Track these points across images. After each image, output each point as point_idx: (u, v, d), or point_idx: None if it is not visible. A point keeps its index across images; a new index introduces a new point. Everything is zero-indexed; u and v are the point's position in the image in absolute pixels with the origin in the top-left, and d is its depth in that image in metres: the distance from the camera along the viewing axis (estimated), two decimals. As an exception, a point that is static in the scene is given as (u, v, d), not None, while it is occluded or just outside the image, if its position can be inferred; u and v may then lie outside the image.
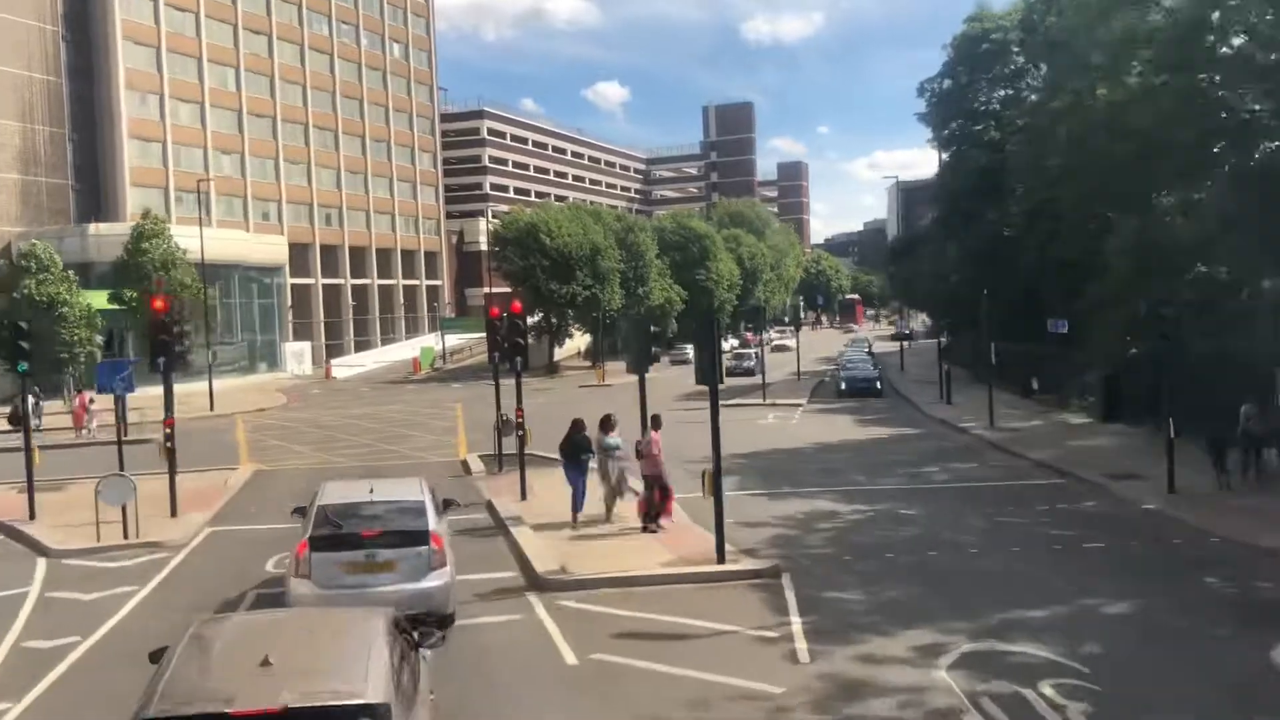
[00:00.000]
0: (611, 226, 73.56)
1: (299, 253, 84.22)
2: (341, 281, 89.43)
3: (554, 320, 69.66)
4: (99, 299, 51.89)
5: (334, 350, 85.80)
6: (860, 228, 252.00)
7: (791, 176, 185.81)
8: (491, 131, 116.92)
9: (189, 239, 65.08)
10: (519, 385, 21.15)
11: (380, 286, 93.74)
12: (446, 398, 50.58)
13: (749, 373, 58.19)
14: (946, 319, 55.88)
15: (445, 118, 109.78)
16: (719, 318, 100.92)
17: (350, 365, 77.62)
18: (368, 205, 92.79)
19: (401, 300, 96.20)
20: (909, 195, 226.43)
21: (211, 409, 47.65)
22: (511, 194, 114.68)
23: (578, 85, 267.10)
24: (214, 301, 67.61)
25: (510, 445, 24.63)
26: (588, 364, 75.96)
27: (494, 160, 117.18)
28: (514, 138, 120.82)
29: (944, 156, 56.72)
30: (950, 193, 54.36)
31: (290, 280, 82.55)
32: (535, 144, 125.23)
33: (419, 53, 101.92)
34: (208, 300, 49.87)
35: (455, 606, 12.26)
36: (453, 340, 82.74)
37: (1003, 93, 52.23)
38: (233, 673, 6.51)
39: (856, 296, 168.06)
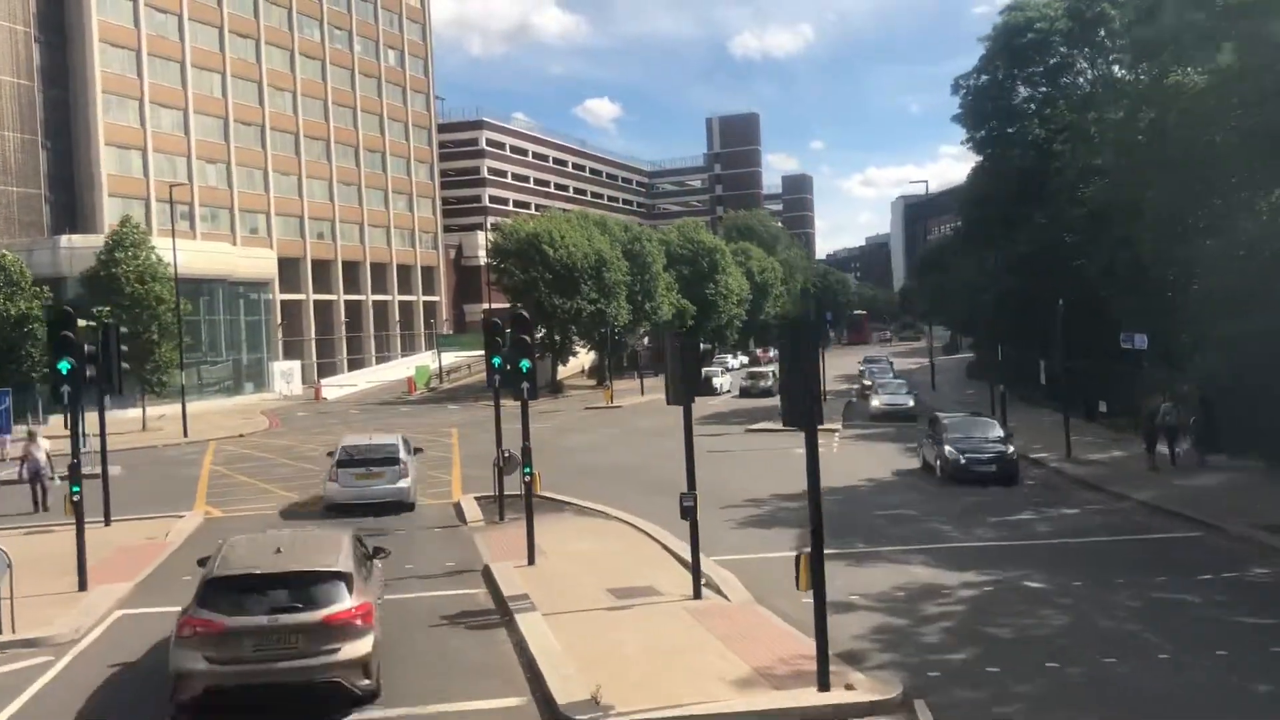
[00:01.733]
0: (617, 237, 69.33)
1: (289, 267, 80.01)
2: (334, 297, 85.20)
3: (557, 337, 65.36)
4: (64, 316, 47.62)
5: (326, 369, 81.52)
6: (863, 242, 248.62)
7: (796, 189, 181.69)
8: (490, 142, 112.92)
9: (170, 251, 61.12)
10: (525, 417, 16.83)
11: (375, 302, 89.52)
12: (442, 422, 46.31)
13: (766, 393, 53.92)
14: (986, 333, 51.58)
15: (443, 128, 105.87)
16: (728, 333, 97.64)
17: (342, 385, 73.28)
18: (361, 218, 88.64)
19: (397, 317, 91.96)
20: (914, 210, 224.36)
21: (185, 434, 43.29)
22: (511, 207, 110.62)
23: (568, 102, 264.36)
24: (197, 318, 63.47)
25: (513, 484, 20.44)
26: (592, 382, 71.68)
27: (493, 172, 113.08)
28: (514, 149, 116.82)
29: (978, 159, 52.59)
30: (984, 197, 50.13)
31: (280, 296, 78.38)
32: (536, 156, 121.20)
33: (415, 60, 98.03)
34: (181, 317, 45.43)
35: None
36: (450, 358, 78.43)
37: (1046, 89, 48.06)
38: (258, 556, 11.00)
39: (863, 312, 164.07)
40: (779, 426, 35.25)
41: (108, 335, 19.85)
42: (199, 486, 27.17)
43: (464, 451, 33.64)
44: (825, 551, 17.11)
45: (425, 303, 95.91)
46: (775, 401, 50.85)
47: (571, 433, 39.55)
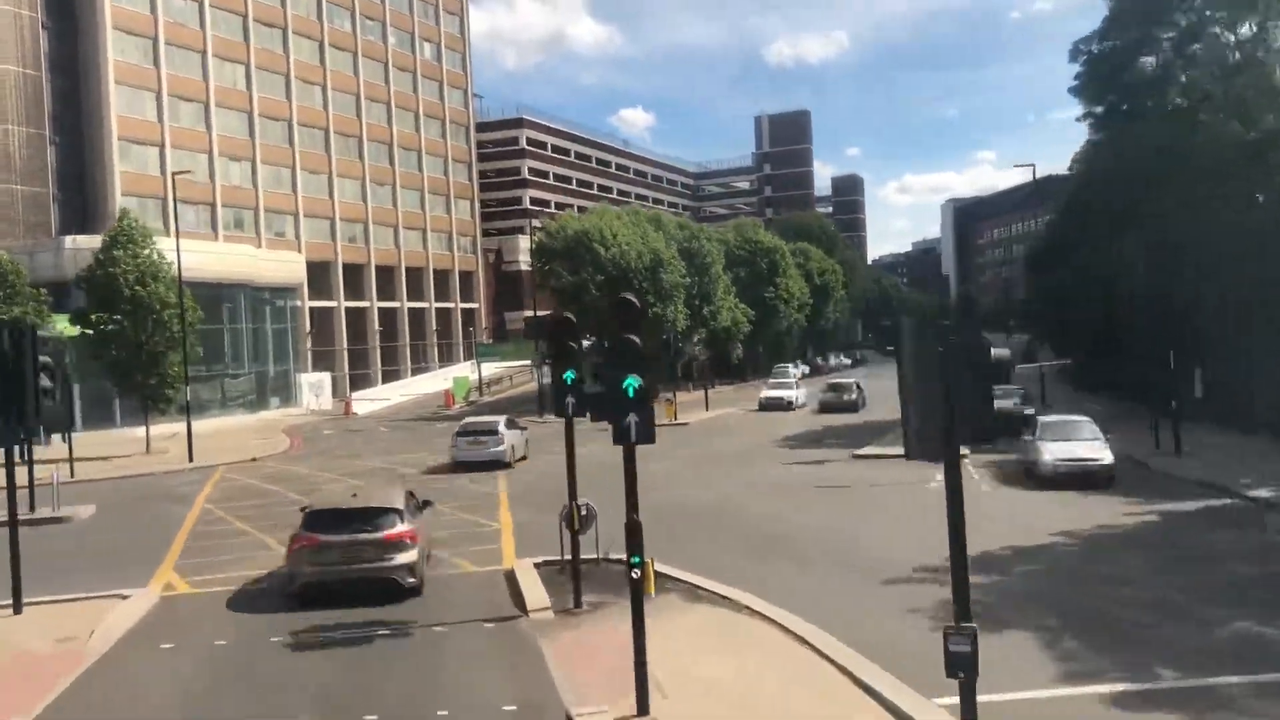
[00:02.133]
0: (673, 235, 63.17)
1: (319, 272, 74.75)
2: (367, 304, 79.82)
3: (607, 345, 59.28)
4: (61, 322, 42.25)
5: (359, 381, 76.09)
6: (908, 248, 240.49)
7: (847, 191, 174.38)
8: (531, 142, 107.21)
9: (191, 254, 55.81)
10: (631, 465, 10.66)
11: (410, 310, 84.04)
12: None
13: (850, 408, 47.38)
14: (1104, 339, 44.72)
15: (481, 127, 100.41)
16: (786, 341, 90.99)
17: (374, 399, 67.69)
18: (396, 220, 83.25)
19: (434, 325, 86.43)
20: (964, 213, 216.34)
21: (190, 459, 37.64)
22: (553, 209, 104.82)
23: (603, 112, 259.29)
24: (219, 326, 58.19)
25: (587, 543, 14.53)
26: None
27: (534, 173, 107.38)
28: (555, 149, 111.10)
29: (1095, 137, 45.79)
30: (1106, 178, 43.33)
31: (309, 303, 73.12)
32: (578, 156, 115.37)
33: (452, 54, 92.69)
34: (187, 324, 39.73)
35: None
36: (490, 369, 72.66)
37: (1181, 54, 41.18)
38: (339, 497, 17.44)
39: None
40: (889, 451, 28.84)
41: (19, 342, 13.91)
42: (177, 538, 21.26)
43: (513, 486, 27.57)
44: (1090, 678, 10.92)
45: (463, 310, 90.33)
46: (862, 418, 44.42)
47: (650, 461, 33.47)
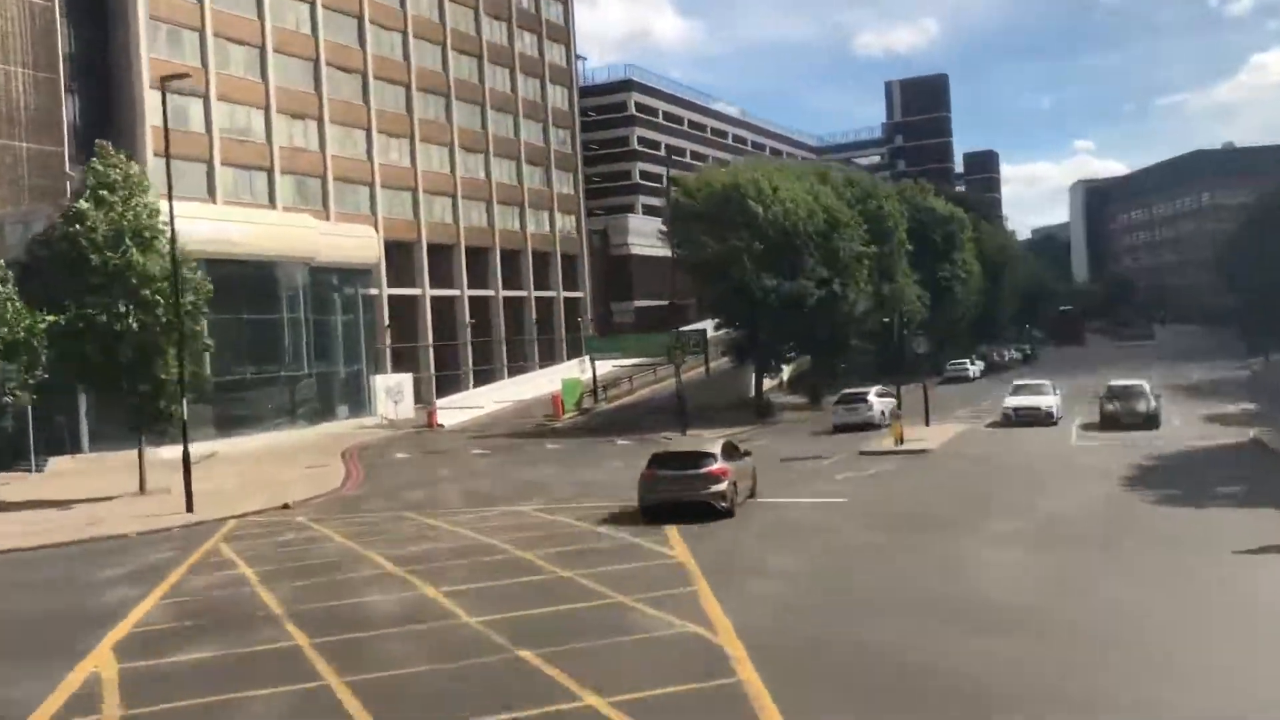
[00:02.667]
0: (841, 194, 48.69)
1: (399, 254, 62.48)
2: (456, 293, 67.29)
3: (760, 334, 45.18)
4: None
5: (446, 385, 63.49)
6: (1028, 235, 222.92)
7: (982, 169, 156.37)
8: (641, 108, 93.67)
9: (228, 224, 43.65)
10: None
11: (505, 299, 71.25)
12: (625, 476, 26.08)
13: (1148, 423, 32.39)
14: None
15: (583, 92, 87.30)
16: (961, 329, 76.00)
17: (465, 406, 54.80)
18: (489, 193, 70.54)
19: (534, 317, 73.48)
20: (1096, 196, 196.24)
21: (189, 507, 24.79)
22: (664, 185, 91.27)
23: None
24: (275, 316, 46.21)
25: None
26: (801, 400, 51.26)
27: (644, 143, 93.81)
28: (667, 116, 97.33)
29: None
30: None
31: (387, 290, 60.86)
32: (692, 125, 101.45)
33: (551, 2, 79.59)
34: (181, 304, 26.66)
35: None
36: (602, 368, 59.19)
37: None
38: (675, 446, 24.36)
39: (1069, 307, 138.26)
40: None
41: None
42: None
43: (706, 555, 14.18)
44: None
45: (566, 299, 77.23)
46: (1180, 439, 27.71)
47: (907, 527, 19.33)
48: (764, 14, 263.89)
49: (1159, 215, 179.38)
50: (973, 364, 68.63)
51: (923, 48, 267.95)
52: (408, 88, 64.45)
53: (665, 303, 79.50)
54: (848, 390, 39.80)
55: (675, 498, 19.51)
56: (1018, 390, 36.68)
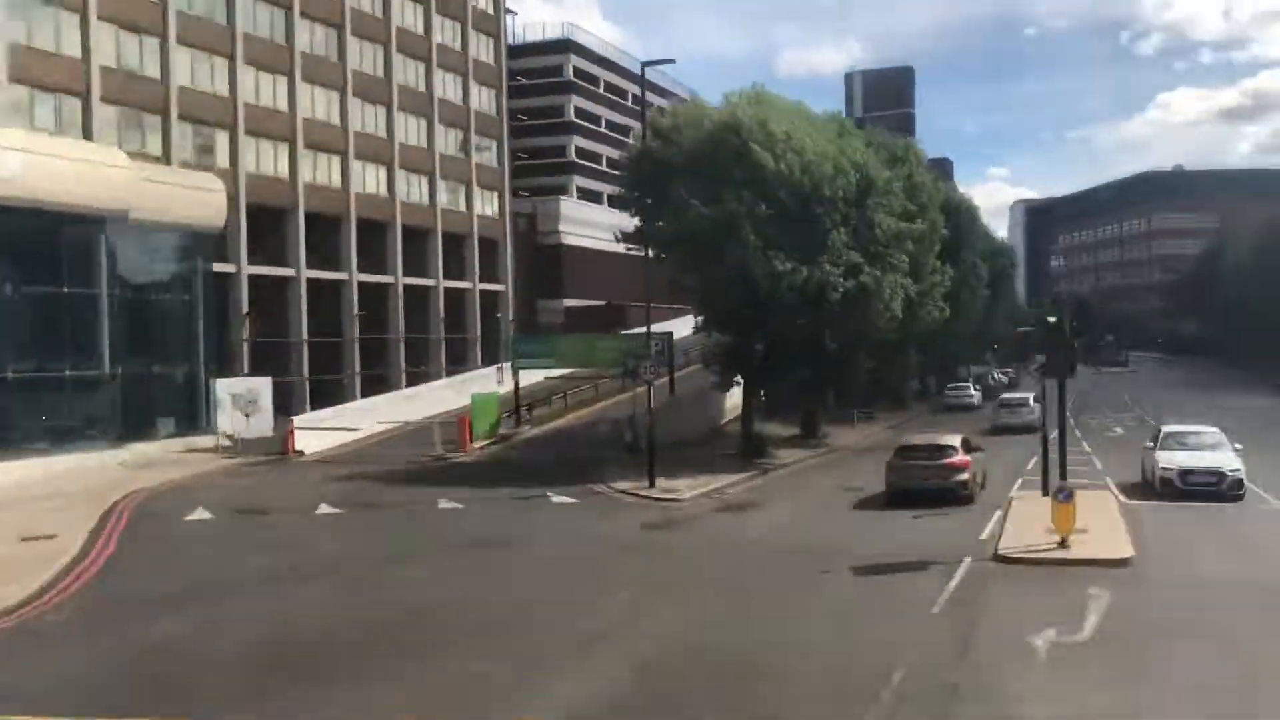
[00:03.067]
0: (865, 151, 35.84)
1: (266, 222, 48.14)
2: (344, 276, 53.07)
3: (762, 341, 32.30)
4: None
5: (325, 393, 48.91)
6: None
7: (942, 174, 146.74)
8: (580, 74, 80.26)
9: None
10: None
11: (407, 288, 57.09)
12: (585, 598, 11.86)
13: (1233, 493, 20.33)
14: None
15: (514, 52, 73.72)
16: (966, 343, 64.03)
17: (338, 425, 40.44)
18: (391, 155, 56.45)
19: (441, 312, 59.41)
20: (1037, 217, 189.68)
21: None
22: (604, 166, 78.02)
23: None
24: (41, 288, 32.00)
25: None
26: (793, 432, 38.51)
27: (582, 115, 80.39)
28: (609, 88, 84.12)
29: None
30: None
31: (249, 268, 46.63)
32: (636, 101, 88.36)
33: (476, -66, 65.77)
34: None
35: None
36: (526, 379, 45.58)
37: None
38: (921, 438, 26.20)
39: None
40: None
41: None
42: None
43: None
44: None
45: (483, 292, 63.42)
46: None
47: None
48: (692, 23, 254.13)
49: (1103, 238, 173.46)
50: (974, 387, 57.41)
51: (843, 68, 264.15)
52: (288, 10, 50.16)
53: (603, 302, 66.34)
54: (1007, 395, 45.41)
55: (920, 485, 22.51)
56: (1171, 441, 23.68)
